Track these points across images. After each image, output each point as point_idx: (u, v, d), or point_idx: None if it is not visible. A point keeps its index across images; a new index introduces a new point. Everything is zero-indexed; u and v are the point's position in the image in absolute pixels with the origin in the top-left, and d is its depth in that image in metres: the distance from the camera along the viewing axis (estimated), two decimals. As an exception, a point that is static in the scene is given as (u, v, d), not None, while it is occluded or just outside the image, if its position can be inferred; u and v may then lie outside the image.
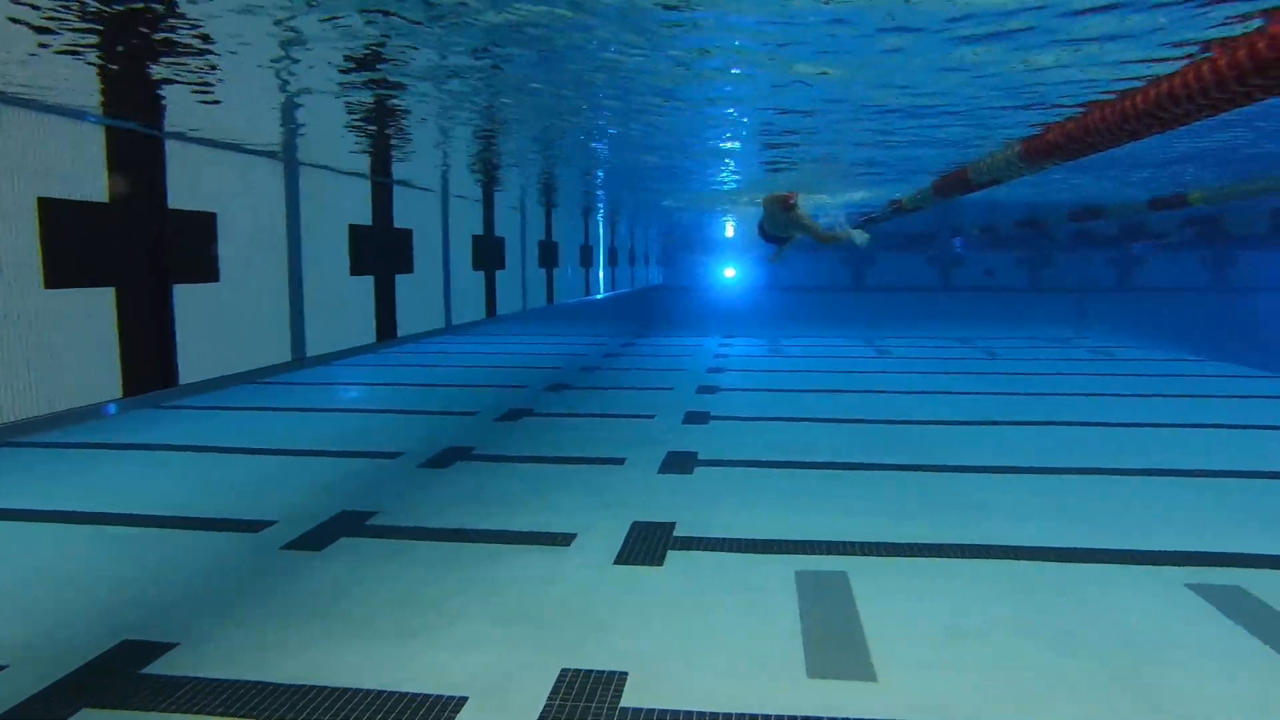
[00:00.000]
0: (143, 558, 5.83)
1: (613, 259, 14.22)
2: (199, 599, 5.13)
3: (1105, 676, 4.20)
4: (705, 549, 5.94)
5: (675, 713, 3.83)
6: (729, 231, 21.11)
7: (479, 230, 8.03)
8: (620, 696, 3.96)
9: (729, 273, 23.29)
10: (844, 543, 6.03)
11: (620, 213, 13.35)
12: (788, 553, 5.87)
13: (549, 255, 10.27)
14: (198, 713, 3.86)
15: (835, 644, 4.51)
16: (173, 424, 10.09)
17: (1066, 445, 9.20)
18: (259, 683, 4.09)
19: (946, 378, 14.64)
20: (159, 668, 4.27)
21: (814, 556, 5.79)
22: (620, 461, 8.36)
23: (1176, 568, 5.60)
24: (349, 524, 6.49)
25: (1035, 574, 5.52)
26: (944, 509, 6.87)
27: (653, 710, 3.85)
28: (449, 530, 6.36)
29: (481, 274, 8.07)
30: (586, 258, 12.36)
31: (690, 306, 22.91)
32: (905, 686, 4.08)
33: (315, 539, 6.16)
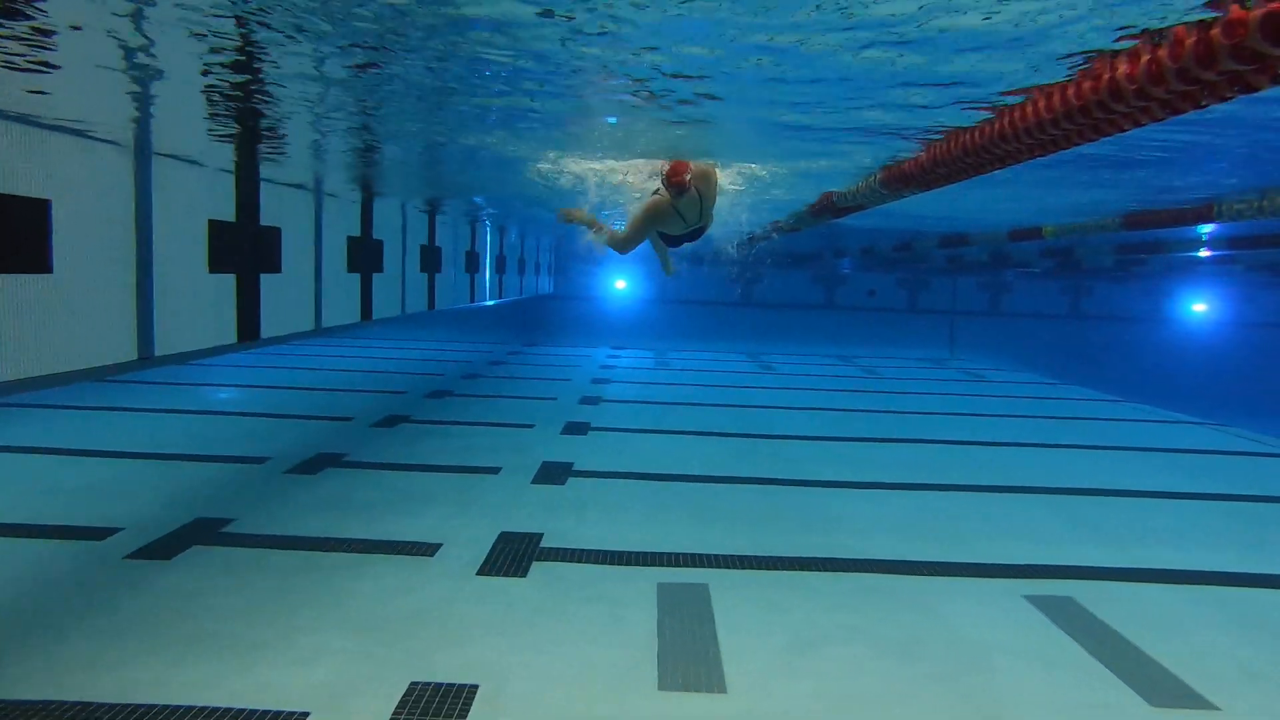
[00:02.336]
0: (-34, 567, 5.43)
1: (501, 266, 14.10)
2: (25, 613, 4.81)
3: (940, 683, 4.39)
4: (571, 560, 5.93)
5: (522, 726, 3.80)
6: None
7: (356, 232, 7.83)
8: (469, 710, 3.91)
9: (620, 284, 23.41)
10: (707, 555, 6.13)
11: (509, 221, 13.27)
12: (652, 565, 5.92)
13: (431, 260, 10.10)
14: (10, 734, 3.62)
15: (689, 656, 4.57)
16: (6, 424, 9.44)
17: (927, 462, 9.59)
18: (80, 703, 3.86)
19: (824, 394, 15.08)
20: (-30, 686, 3.98)
21: (677, 569, 5.86)
22: (495, 471, 8.28)
23: (1015, 580, 5.91)
24: (203, 532, 6.20)
25: (883, 586, 5.73)
26: (804, 523, 7.06)
27: (499, 724, 3.81)
28: (309, 539, 6.16)
29: (357, 276, 7.87)
30: (472, 264, 12.21)
31: (581, 317, 22.94)
32: (753, 697, 4.17)
33: (164, 548, 5.87)
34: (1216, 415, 14.72)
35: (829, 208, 7.35)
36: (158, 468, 7.99)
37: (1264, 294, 22.25)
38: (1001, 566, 6.17)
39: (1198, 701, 4.30)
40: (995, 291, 24.47)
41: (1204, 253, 13.26)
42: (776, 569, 5.96)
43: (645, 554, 6.10)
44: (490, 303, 13.65)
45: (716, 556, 6.11)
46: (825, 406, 13.54)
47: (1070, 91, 3.12)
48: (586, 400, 12.99)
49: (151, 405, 10.94)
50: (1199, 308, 23.49)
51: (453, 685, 4.12)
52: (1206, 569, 6.30)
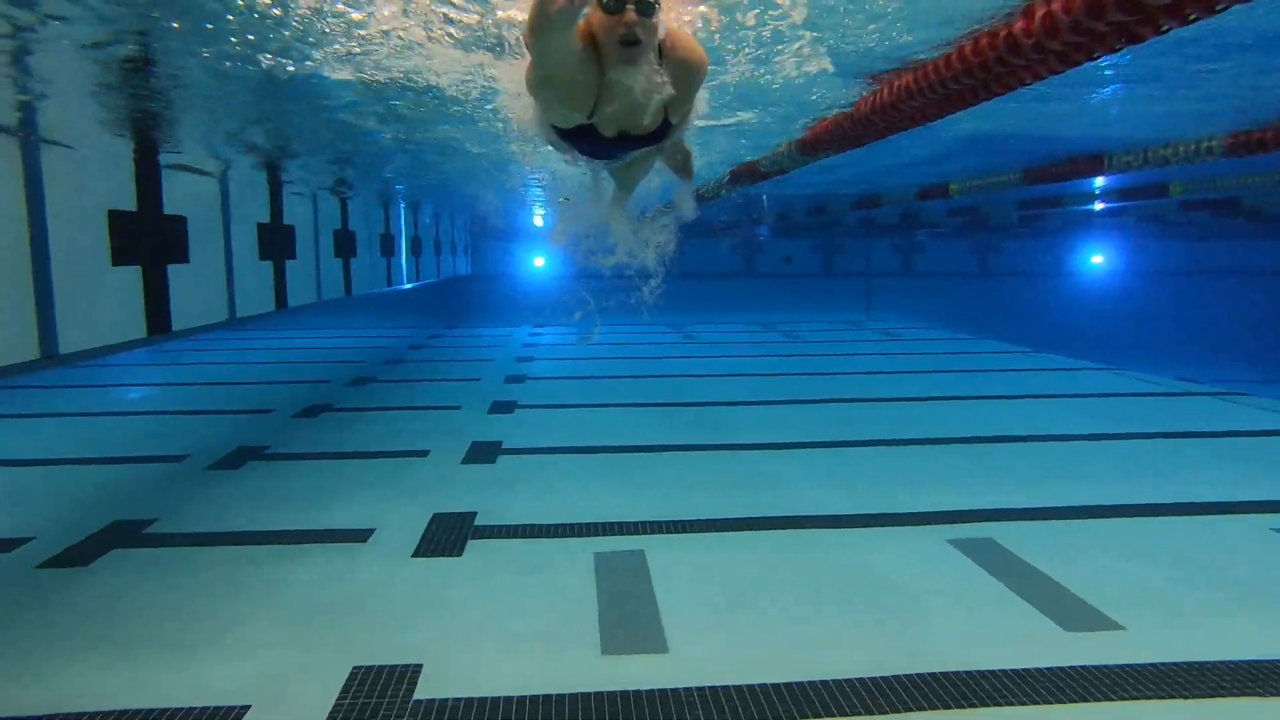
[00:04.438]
0: None
1: (416, 248, 13.86)
2: (-64, 628, 4.61)
3: (869, 626, 4.57)
4: (506, 536, 5.95)
5: (470, 700, 3.82)
6: (538, 220, 21.08)
7: (265, 218, 7.61)
8: (414, 689, 3.92)
9: (538, 261, 23.24)
10: (641, 522, 6.21)
11: (423, 202, 13.03)
12: (587, 535, 5.98)
13: (345, 245, 9.89)
14: (-70, 752, 3.49)
15: (629, 621, 4.64)
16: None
17: (851, 420, 9.86)
18: (9, 718, 3.73)
19: (748, 360, 15.31)
20: (-118, 708, 3.81)
21: (612, 538, 5.93)
22: (424, 454, 8.20)
23: (938, 526, 6.15)
24: (122, 534, 6.01)
25: (812, 540, 5.90)
26: (734, 485, 7.20)
27: (446, 700, 3.83)
28: (234, 534, 6.03)
29: (269, 264, 7.66)
30: (387, 247, 11.98)
31: (499, 296, 22.72)
32: (694, 653, 4.27)
33: (81, 553, 5.67)
34: (1116, 360, 15.46)
35: (751, 172, 7.34)
36: (68, 472, 7.69)
37: (1154, 243, 23.36)
38: (924, 514, 6.41)
39: (1106, 623, 4.57)
40: (908, 253, 25.10)
41: (1098, 205, 13.85)
42: (709, 530, 6.08)
43: (580, 525, 6.15)
44: (408, 286, 13.42)
45: (650, 523, 6.20)
46: (748, 372, 13.76)
47: None
48: (511, 379, 12.93)
49: (57, 409, 10.49)
50: (1097, 260, 24.52)
51: (395, 666, 4.11)
52: (1113, 503, 6.66)
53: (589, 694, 3.88)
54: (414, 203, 12.69)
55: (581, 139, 3.05)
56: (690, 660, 4.21)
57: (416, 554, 5.61)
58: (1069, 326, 21.89)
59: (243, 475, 7.55)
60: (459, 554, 5.62)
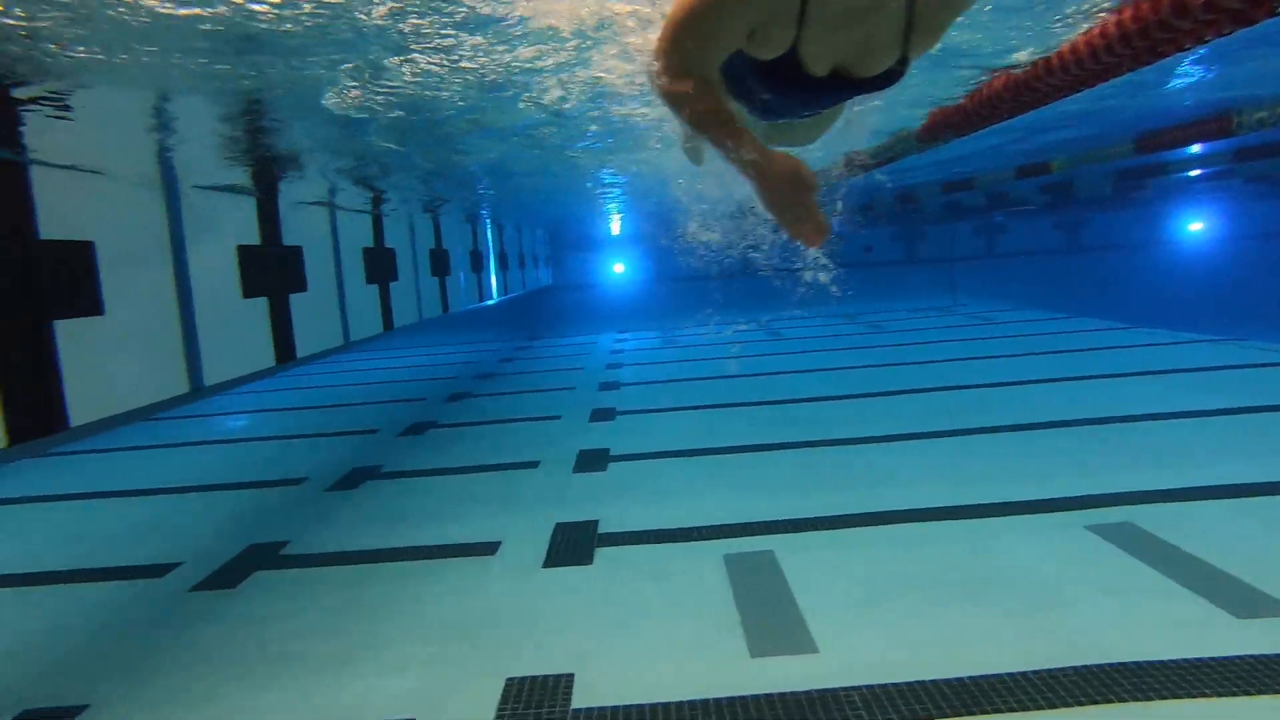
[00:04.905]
0: (34, 620, 5.44)
1: (503, 263, 14.07)
2: (104, 656, 4.83)
3: (1018, 619, 4.43)
4: (632, 543, 5.96)
5: (628, 708, 3.83)
6: (615, 228, 21.19)
7: (369, 243, 7.81)
8: (570, 698, 3.95)
9: (618, 268, 23.37)
10: (766, 522, 6.16)
11: (506, 217, 13.23)
12: (713, 538, 5.95)
13: (441, 263, 10.08)
14: (123, 773, 3.65)
15: (773, 621, 4.60)
16: (59, 471, 9.43)
17: (956, 409, 9.62)
18: (186, 733, 3.89)
19: (837, 354, 15.10)
20: (71, 732, 4.00)
21: (739, 539, 5.89)
22: (534, 465, 8.30)
23: (1071, 512, 5.94)
24: (261, 557, 6.22)
25: (942, 532, 5.76)
26: (851, 481, 7.09)
27: (605, 709, 3.85)
28: (366, 552, 6.18)
29: (375, 287, 7.86)
30: (477, 263, 12.19)
31: (581, 305, 22.92)
32: (845, 652, 4.20)
33: (227, 577, 5.88)
34: (1226, 330, 14.77)
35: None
36: (198, 499, 8.01)
37: (1261, 205, 22.26)
38: (1054, 501, 6.21)
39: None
40: (990, 235, 24.46)
41: (1194, 172, 13.27)
42: (834, 528, 6.00)
43: (704, 528, 6.13)
44: (497, 300, 13.62)
45: (774, 523, 6.14)
46: (842, 365, 13.57)
47: None
48: (606, 386, 13.00)
49: (172, 440, 10.93)
50: (1196, 227, 23.51)
51: (548, 676, 4.15)
52: (1252, 480, 6.35)
53: (747, 697, 3.85)
54: (499, 219, 12.89)
55: (775, 80, 2.16)
56: (842, 659, 4.14)
57: (547, 564, 5.66)
58: (1172, 299, 21.02)
59: (361, 495, 7.75)
60: (589, 562, 5.65)
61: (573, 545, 5.97)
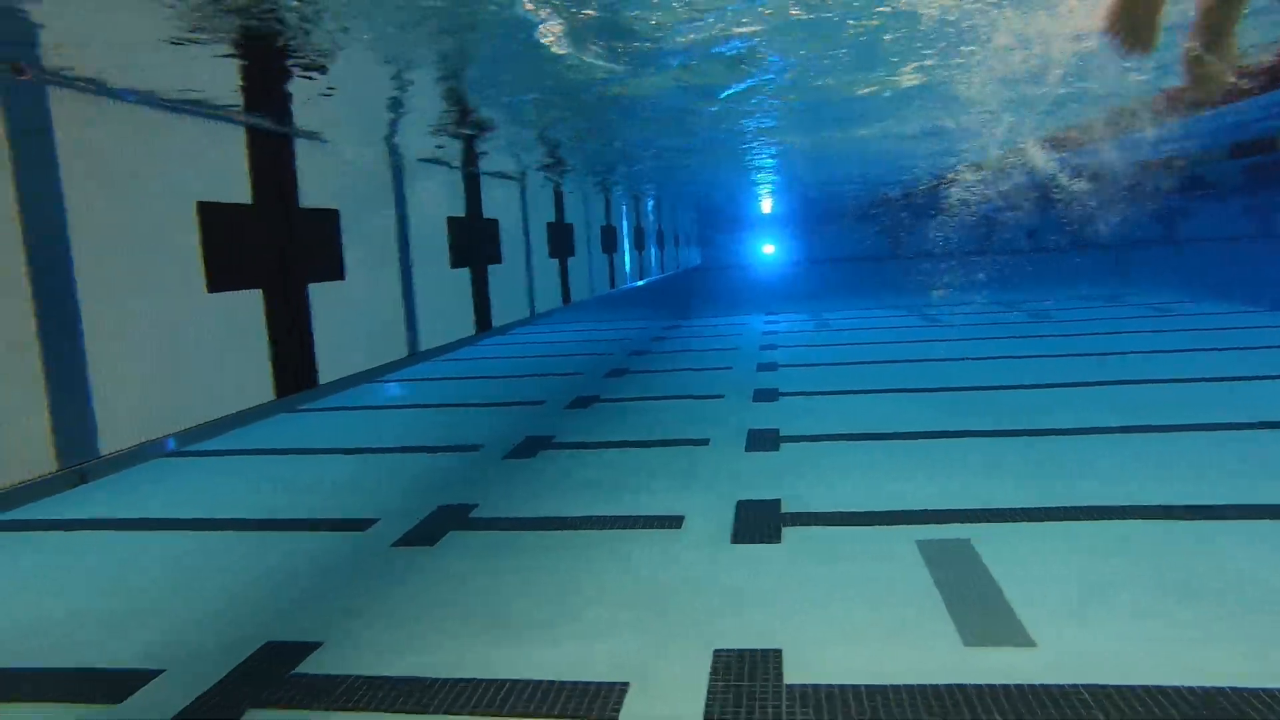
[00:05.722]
0: (260, 561, 5.86)
1: (660, 241, 14.15)
2: (329, 599, 5.15)
3: (1251, 626, 4.12)
4: (818, 524, 5.90)
5: (844, 688, 3.79)
6: (765, 207, 20.94)
7: (552, 218, 7.99)
8: (781, 674, 3.93)
9: (768, 249, 23.14)
10: (959, 510, 5.96)
11: (668, 197, 13.27)
12: (903, 523, 5.81)
13: (610, 240, 10.22)
14: (360, 710, 3.88)
15: (981, 611, 4.45)
16: (285, 427, 10.14)
17: (1144, 403, 9.05)
18: (414, 678, 4.09)
19: (999, 342, 14.48)
20: (309, 667, 4.29)
21: (931, 526, 5.73)
22: (704, 442, 8.32)
23: (1304, 518, 5.48)
24: (452, 518, 6.49)
25: (1157, 531, 5.42)
26: (1042, 471, 6.78)
27: (819, 686, 3.82)
28: (552, 519, 6.35)
29: (557, 261, 8.04)
30: (639, 240, 12.30)
31: (731, 285, 22.82)
32: (1066, 648, 4.02)
33: (424, 534, 6.17)
34: None
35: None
36: (385, 460, 8.44)
37: None
38: (1272, 507, 5.74)
39: None
40: (1169, 219, 22.80)
41: None
42: (1034, 520, 5.74)
43: (894, 512, 6.00)
44: (655, 277, 13.72)
45: (967, 511, 5.94)
46: (1004, 354, 13.00)
47: None
48: (764, 367, 12.91)
49: (356, 403, 11.54)
50: None
51: (757, 651, 4.15)
52: None
53: (967, 686, 3.74)
54: (660, 198, 12.96)
55: None
56: (1062, 655, 3.96)
57: (735, 540, 5.67)
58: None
59: (540, 464, 7.97)
60: (777, 541, 5.62)
61: (758, 523, 5.96)
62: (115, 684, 4.22)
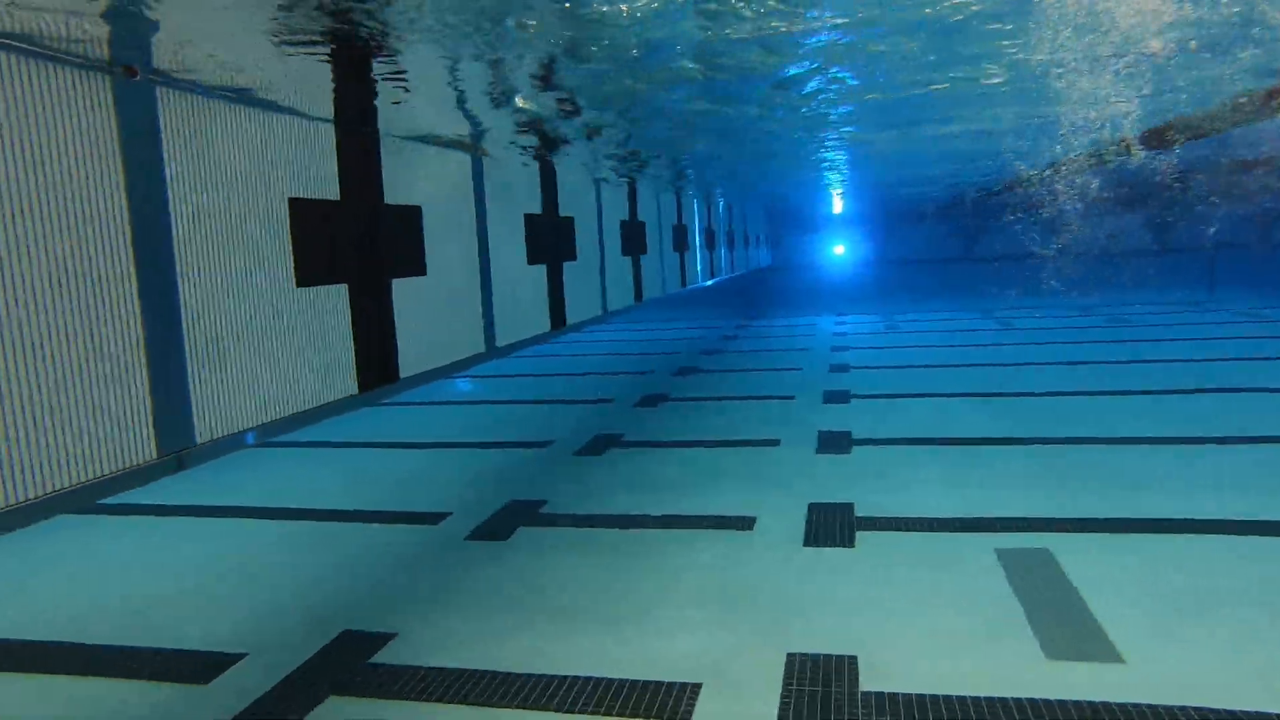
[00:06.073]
0: (336, 551, 6.00)
1: (730, 241, 14.06)
2: (403, 590, 5.24)
3: (1377, 655, 3.91)
4: (893, 529, 5.79)
5: (921, 698, 3.71)
6: (836, 207, 20.70)
7: (625, 216, 7.99)
8: (857, 680, 3.87)
9: (838, 249, 22.86)
10: (1038, 519, 5.80)
11: (742, 198, 13.18)
12: (980, 530, 5.67)
13: (681, 239, 10.19)
14: (436, 700, 3.93)
15: (1065, 624, 4.31)
16: (363, 420, 10.37)
17: (1234, 412, 8.68)
18: (488, 671, 4.13)
19: (1080, 347, 14.05)
20: (385, 657, 4.36)
21: (1009, 534, 5.58)
22: (775, 443, 8.25)
23: None
24: (523, 514, 6.55)
25: (1257, 549, 5.19)
26: (1128, 482, 6.56)
27: (896, 695, 3.74)
28: (623, 516, 6.36)
29: (629, 260, 8.04)
30: (710, 241, 12.24)
31: (801, 285, 22.54)
32: (1156, 666, 3.87)
33: (496, 529, 6.24)
34: None
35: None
36: (457, 455, 8.55)
37: None
38: (1388, 522, 5.45)
39: None
40: (1268, 222, 21.86)
41: None
42: (1118, 531, 5.55)
43: (969, 519, 5.86)
44: (725, 277, 13.64)
45: (1046, 520, 5.77)
46: (1082, 360, 12.60)
47: None
48: (835, 368, 12.74)
49: (430, 399, 11.72)
50: None
51: (832, 656, 4.09)
52: None
53: (1052, 701, 3.63)
54: (731, 198, 12.88)
55: None
56: (1155, 674, 3.81)
57: (808, 543, 5.60)
58: None
59: (610, 461, 7.99)
60: (851, 545, 5.54)
61: (831, 526, 5.88)
62: (202, 665, 4.36)
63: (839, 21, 3.62)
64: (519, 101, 4.33)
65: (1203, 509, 5.86)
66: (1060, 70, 4.82)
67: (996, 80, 5.03)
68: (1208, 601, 4.49)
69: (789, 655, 4.12)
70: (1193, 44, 4.60)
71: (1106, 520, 5.73)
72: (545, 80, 4.19)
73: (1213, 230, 22.39)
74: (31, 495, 6.32)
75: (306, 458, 8.72)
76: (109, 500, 7.28)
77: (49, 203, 6.29)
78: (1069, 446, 7.69)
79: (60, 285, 6.18)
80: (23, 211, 6.13)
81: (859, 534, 5.71)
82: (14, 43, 5.19)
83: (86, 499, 7.15)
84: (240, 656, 4.43)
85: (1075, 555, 5.17)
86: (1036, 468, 7.06)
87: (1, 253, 6.15)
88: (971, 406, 9.71)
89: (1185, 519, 5.70)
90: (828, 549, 5.49)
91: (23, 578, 5.83)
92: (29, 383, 6.52)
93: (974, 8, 3.86)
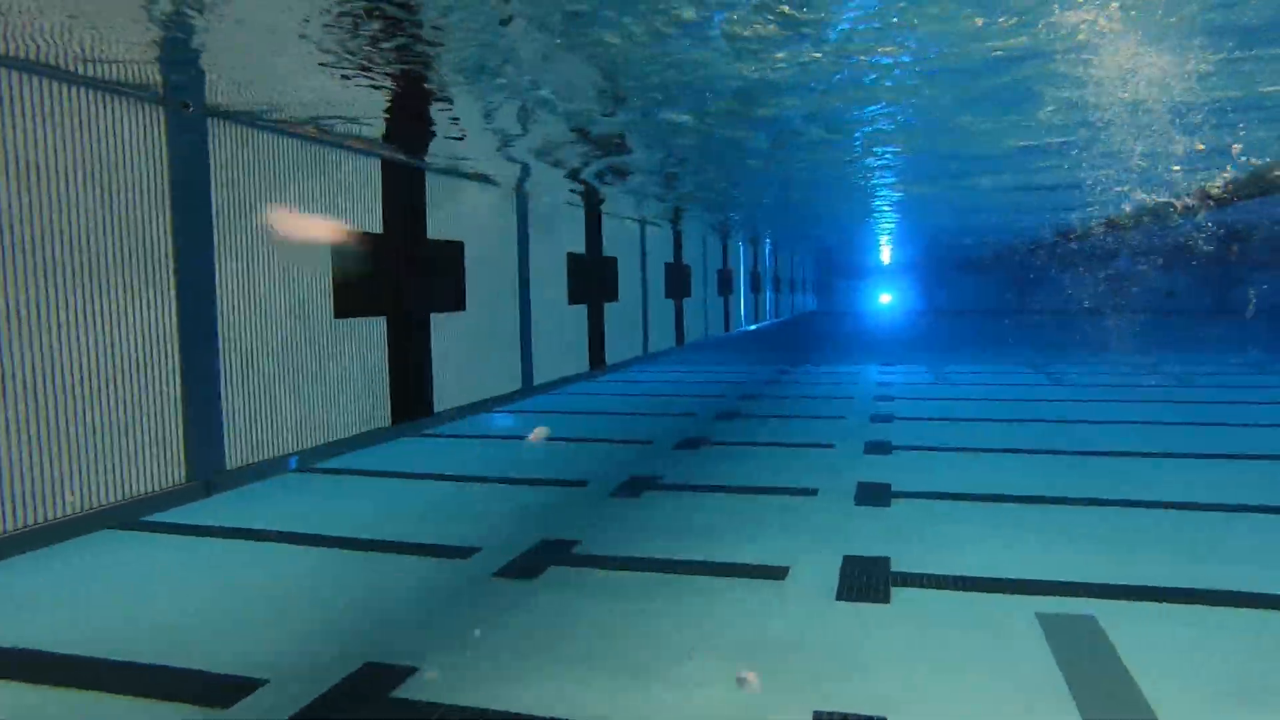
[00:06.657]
0: (364, 580, 5.99)
1: (776, 286, 14.00)
2: (428, 624, 5.20)
3: None
4: (930, 586, 5.62)
5: (953, 766, 3.55)
6: (884, 256, 20.55)
7: (670, 258, 7.99)
8: (886, 744, 3.72)
9: (885, 298, 22.65)
10: (1084, 584, 5.58)
11: (785, 242, 13.14)
12: (1022, 593, 5.47)
13: (726, 283, 10.16)
14: (453, 740, 3.86)
15: (1109, 697, 4.12)
16: (394, 451, 10.45)
17: (1304, 481, 8.33)
18: (508, 713, 4.06)
19: (1137, 406, 13.65)
20: (407, 691, 4.31)
21: (1053, 598, 5.37)
22: (813, 492, 8.10)
23: None
24: (554, 553, 6.49)
25: (1322, 625, 4.93)
26: (1184, 550, 6.29)
27: (927, 762, 3.59)
28: (656, 561, 6.26)
29: (672, 302, 8.02)
30: (756, 284, 12.19)
31: (847, 332, 22.34)
32: (1206, 749, 3.67)
33: (525, 567, 6.18)
34: None
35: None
36: (490, 490, 8.53)
37: None
38: None
39: None
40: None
41: None
42: (1171, 601, 5.31)
43: (1010, 580, 5.66)
44: (770, 322, 13.55)
45: (1096, 585, 5.55)
46: (1137, 419, 12.24)
47: None
48: (878, 418, 12.53)
49: (464, 432, 11.76)
50: None
51: (861, 716, 3.95)
52: None
53: (1092, 779, 3.45)
54: (777, 243, 12.84)
55: None
56: (1204, 756, 3.61)
57: (840, 597, 5.46)
58: None
59: (645, 503, 7.91)
60: (886, 601, 5.38)
61: (866, 581, 5.72)
62: (222, 689, 4.35)
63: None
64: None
65: (1268, 582, 5.59)
66: (1119, 125, 4.73)
67: (1057, 139, 4.95)
68: (1275, 687, 4.25)
69: (815, 714, 3.99)
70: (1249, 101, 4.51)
71: (1159, 589, 5.49)
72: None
73: (1273, 292, 21.77)
74: (78, 510, 6.43)
75: (338, 486, 8.76)
76: (151, 518, 7.38)
77: (111, 237, 6.49)
78: (1120, 508, 7.43)
79: (104, 292, 6.36)
80: (92, 252, 6.33)
81: (894, 590, 5.55)
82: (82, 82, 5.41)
83: (130, 515, 7.26)
84: (261, 683, 4.41)
85: (1123, 624, 4.94)
86: (1084, 529, 6.82)
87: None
88: (1019, 463, 9.46)
89: (1248, 592, 5.44)
90: (862, 604, 5.34)
91: (60, 590, 5.91)
92: (80, 402, 6.67)
93: (1028, 67, 3.82)
